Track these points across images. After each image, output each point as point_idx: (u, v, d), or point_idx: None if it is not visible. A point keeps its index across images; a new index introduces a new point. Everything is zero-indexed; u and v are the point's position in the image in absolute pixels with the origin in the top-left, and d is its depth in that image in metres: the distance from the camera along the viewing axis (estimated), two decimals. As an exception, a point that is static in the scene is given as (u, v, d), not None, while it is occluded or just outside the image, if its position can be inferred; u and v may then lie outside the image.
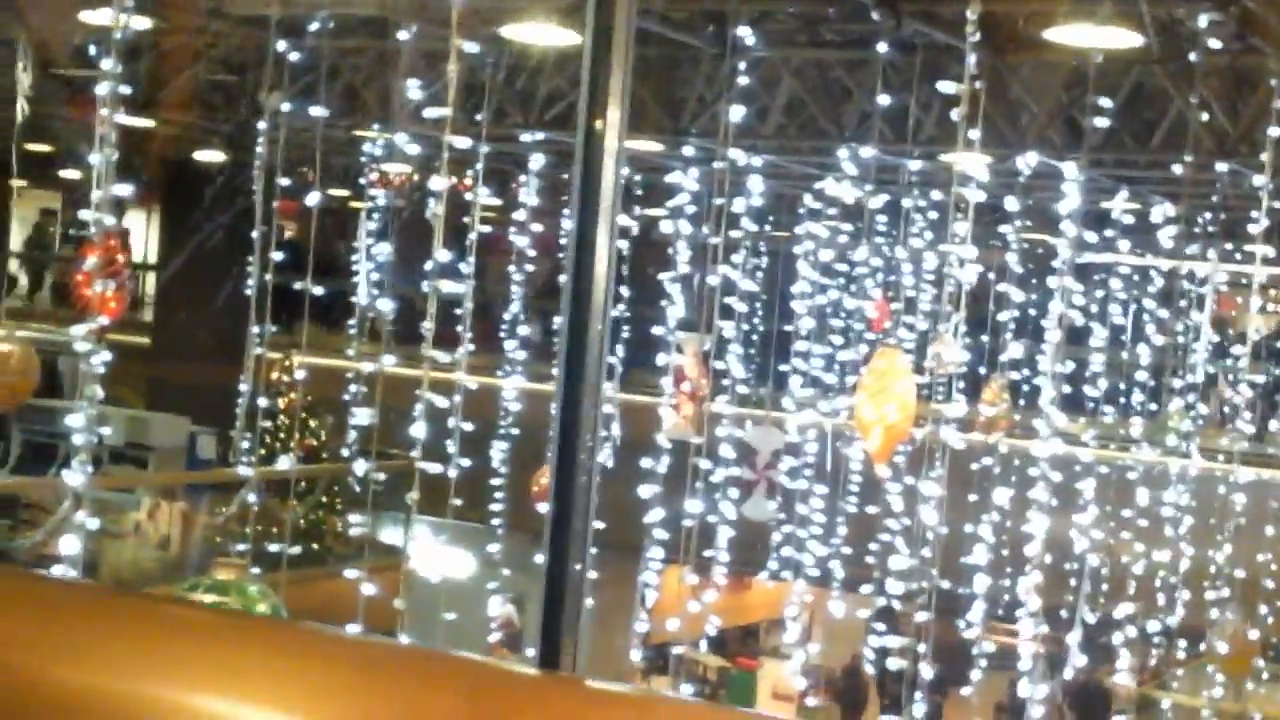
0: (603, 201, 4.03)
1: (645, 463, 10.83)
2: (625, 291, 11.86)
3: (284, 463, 11.48)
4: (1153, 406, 14.67)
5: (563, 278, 4.27)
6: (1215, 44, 9.88)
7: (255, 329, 8.84)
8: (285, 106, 8.78)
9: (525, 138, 11.78)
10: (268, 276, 8.43)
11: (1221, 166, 11.73)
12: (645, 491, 10.58)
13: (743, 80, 9.43)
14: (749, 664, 26.78)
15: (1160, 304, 14.49)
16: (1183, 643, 15.49)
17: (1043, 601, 11.43)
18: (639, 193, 12.65)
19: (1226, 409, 15.65)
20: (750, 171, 9.88)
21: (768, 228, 14.07)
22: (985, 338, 12.27)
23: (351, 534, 13.13)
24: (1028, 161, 10.30)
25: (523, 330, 12.18)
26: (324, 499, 14.57)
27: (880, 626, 12.94)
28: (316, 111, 8.92)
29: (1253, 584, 15.73)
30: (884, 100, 9.31)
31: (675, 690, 15.74)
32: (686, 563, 11.14)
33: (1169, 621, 14.84)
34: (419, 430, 8.02)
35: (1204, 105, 11.06)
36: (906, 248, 11.85)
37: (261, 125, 9.66)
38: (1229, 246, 13.65)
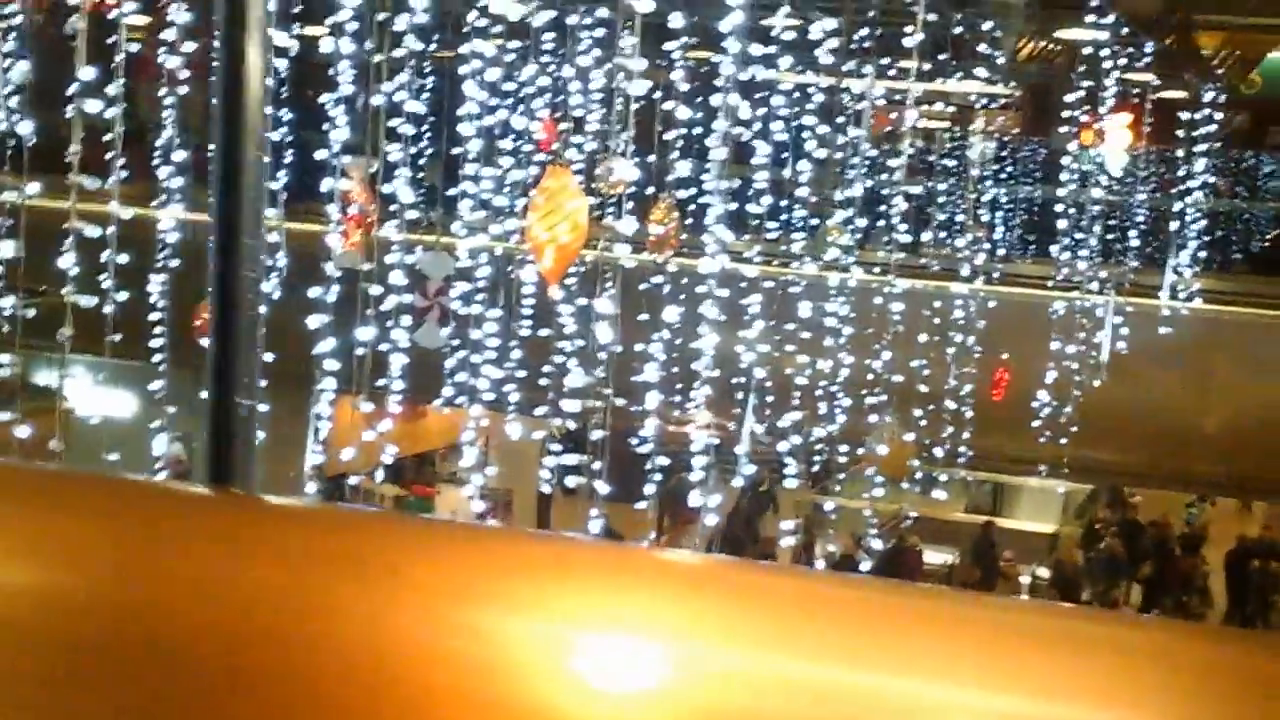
0: (252, 16, 3.75)
1: (314, 292, 10.54)
2: (286, 115, 11.39)
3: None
4: (814, 222, 15.05)
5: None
6: None
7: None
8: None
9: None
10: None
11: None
12: (315, 322, 10.31)
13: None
14: (425, 491, 26.84)
15: (821, 120, 14.80)
16: (845, 448, 16.16)
17: (714, 414, 11.72)
18: (297, 9, 12.12)
19: (883, 222, 16.20)
20: (412, -13, 9.56)
21: (433, 47, 13.71)
22: (653, 157, 12.30)
23: None
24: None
25: (178, 156, 11.58)
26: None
27: (556, 447, 13.05)
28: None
29: (907, 390, 16.48)
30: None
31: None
32: (360, 392, 10.97)
33: (831, 429, 15.43)
34: (69, 263, 7.60)
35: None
36: (573, 66, 11.72)
37: None
38: (885, 62, 14.00)
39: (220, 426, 3.84)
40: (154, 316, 12.08)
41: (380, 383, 12.04)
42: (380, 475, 13.46)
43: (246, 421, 3.86)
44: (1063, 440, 17.21)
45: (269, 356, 11.80)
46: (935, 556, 26.24)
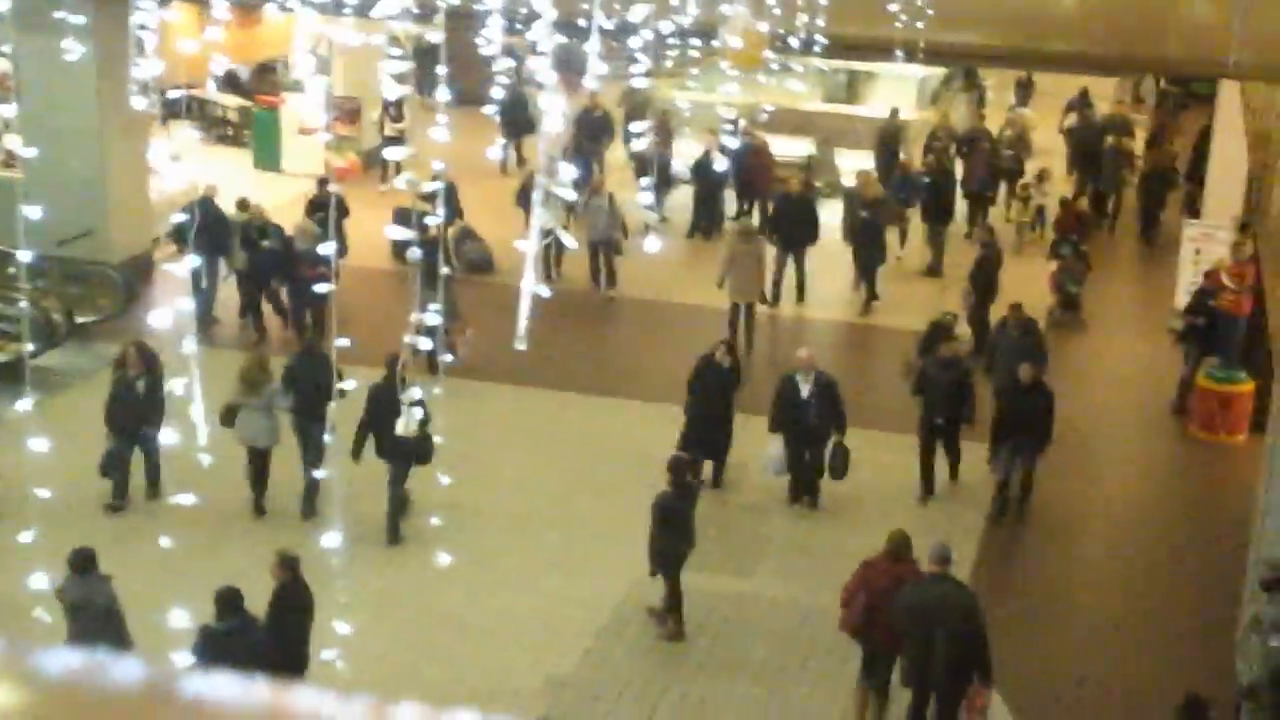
0: None
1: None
2: None
3: None
4: None
5: None
6: None
7: None
8: None
9: None
10: None
11: None
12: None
13: None
14: (270, 102, 25.88)
15: None
16: (696, 41, 15.74)
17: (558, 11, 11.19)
18: None
19: None
20: None
21: None
22: None
23: None
24: None
25: None
26: None
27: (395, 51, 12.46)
28: None
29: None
30: None
31: (193, 132, 15.06)
32: None
33: (682, 20, 14.98)
34: None
35: None
36: None
37: None
38: None
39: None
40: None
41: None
42: (214, 87, 12.90)
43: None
44: (919, 23, 16.92)
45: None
46: (793, 148, 26.18)
